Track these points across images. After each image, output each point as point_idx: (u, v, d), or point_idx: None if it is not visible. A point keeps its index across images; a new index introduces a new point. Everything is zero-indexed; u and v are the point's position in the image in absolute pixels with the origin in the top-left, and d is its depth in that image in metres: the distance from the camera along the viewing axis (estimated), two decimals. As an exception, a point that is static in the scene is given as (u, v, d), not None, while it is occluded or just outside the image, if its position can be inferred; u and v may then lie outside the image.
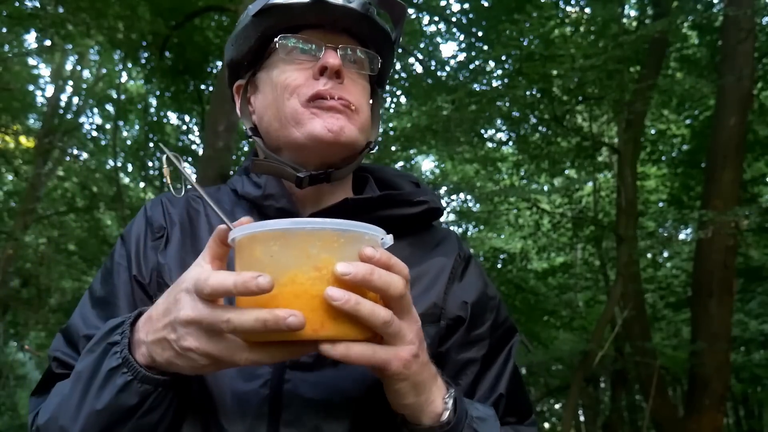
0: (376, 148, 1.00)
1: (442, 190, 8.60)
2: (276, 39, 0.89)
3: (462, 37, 8.30)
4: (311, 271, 0.60)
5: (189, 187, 0.76)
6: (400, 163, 9.51)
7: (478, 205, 9.71)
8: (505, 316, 0.96)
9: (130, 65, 9.49)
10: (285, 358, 0.66)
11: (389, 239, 0.67)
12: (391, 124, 9.19)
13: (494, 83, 7.22)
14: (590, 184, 8.99)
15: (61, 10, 6.89)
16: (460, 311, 0.89)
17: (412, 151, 8.77)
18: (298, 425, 0.76)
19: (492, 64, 7.34)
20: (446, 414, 0.72)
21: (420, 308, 0.86)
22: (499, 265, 9.38)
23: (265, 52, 0.92)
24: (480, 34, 7.87)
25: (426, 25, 8.63)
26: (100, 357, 0.71)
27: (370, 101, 0.97)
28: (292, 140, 0.88)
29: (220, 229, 0.67)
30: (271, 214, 0.90)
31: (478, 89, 7.01)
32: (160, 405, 0.70)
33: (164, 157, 0.73)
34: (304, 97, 0.87)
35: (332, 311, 0.60)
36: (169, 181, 0.82)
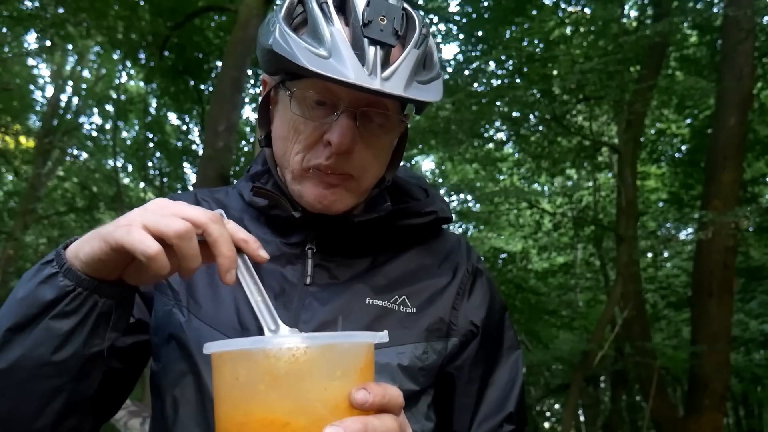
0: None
1: (442, 191, 8.59)
2: (289, 92, 0.81)
3: (462, 37, 8.29)
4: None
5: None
6: (400, 164, 9.49)
7: (478, 206, 9.70)
8: (510, 330, 0.96)
9: (130, 65, 9.50)
10: None
11: (383, 336, 0.60)
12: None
13: (494, 83, 7.21)
14: (590, 183, 8.99)
15: (61, 10, 6.90)
16: (470, 329, 0.90)
17: (412, 152, 8.77)
18: None
19: (492, 64, 7.34)
20: None
21: (425, 322, 0.86)
22: (499, 265, 9.38)
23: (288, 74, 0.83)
24: (480, 34, 7.86)
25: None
26: (39, 263, 0.70)
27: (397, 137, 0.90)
28: (290, 186, 0.86)
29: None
30: (279, 222, 0.88)
31: (478, 90, 7.00)
32: (76, 312, 0.66)
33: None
34: (307, 162, 0.82)
35: None
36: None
